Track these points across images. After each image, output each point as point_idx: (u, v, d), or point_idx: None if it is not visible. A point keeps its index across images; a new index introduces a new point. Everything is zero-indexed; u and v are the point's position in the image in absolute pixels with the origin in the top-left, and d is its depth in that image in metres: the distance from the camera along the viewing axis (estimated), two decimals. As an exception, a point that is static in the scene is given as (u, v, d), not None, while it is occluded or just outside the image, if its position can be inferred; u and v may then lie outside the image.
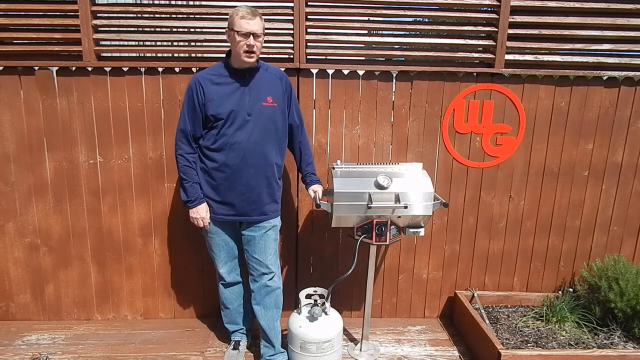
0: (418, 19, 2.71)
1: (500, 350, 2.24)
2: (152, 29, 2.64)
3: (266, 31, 2.58)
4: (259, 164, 2.20)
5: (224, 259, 2.40)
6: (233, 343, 2.56)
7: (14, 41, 2.59)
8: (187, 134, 2.19)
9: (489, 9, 2.67)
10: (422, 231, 2.35)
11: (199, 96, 2.14)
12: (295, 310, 2.44)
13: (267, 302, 2.36)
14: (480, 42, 2.68)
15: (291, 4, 2.54)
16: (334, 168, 2.40)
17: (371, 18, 2.66)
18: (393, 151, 2.79)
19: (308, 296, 2.44)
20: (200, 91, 2.14)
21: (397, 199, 2.23)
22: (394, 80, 2.70)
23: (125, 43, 2.61)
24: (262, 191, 2.25)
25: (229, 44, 2.59)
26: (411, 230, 2.35)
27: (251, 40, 2.04)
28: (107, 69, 2.60)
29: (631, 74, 2.71)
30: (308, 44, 2.62)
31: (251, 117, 2.16)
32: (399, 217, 2.29)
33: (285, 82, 2.31)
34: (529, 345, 2.51)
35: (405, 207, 2.21)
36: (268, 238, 2.31)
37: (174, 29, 2.63)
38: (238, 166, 2.17)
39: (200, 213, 2.23)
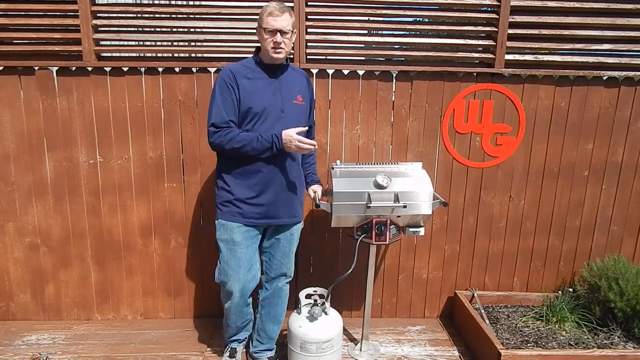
0: (418, 19, 2.71)
1: (500, 350, 2.23)
2: (152, 29, 2.64)
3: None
4: (292, 163, 2.17)
5: (242, 275, 2.18)
6: (229, 350, 2.44)
7: (14, 41, 2.60)
8: (221, 127, 2.02)
9: (489, 9, 2.67)
10: (421, 231, 2.35)
11: (233, 88, 2.04)
12: (295, 310, 2.44)
13: (280, 305, 2.40)
14: (480, 42, 2.68)
15: (291, 4, 2.54)
16: (333, 168, 2.39)
17: (371, 18, 2.66)
18: (393, 151, 2.79)
19: (308, 296, 2.44)
20: (234, 82, 2.04)
21: (396, 199, 2.23)
22: (394, 80, 2.70)
23: (125, 43, 2.61)
24: (294, 191, 2.21)
25: (229, 44, 2.63)
26: (411, 229, 2.35)
27: (278, 37, 2.00)
28: (107, 69, 2.61)
29: (631, 74, 2.71)
30: (308, 44, 2.63)
31: (284, 113, 2.09)
32: (399, 216, 2.29)
33: (308, 82, 2.29)
34: (529, 345, 2.51)
35: (405, 207, 2.21)
36: (293, 240, 2.31)
37: (174, 29, 2.63)
38: (274, 165, 2.10)
39: (290, 136, 1.99)
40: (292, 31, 2.07)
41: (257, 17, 2.54)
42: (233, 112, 2.04)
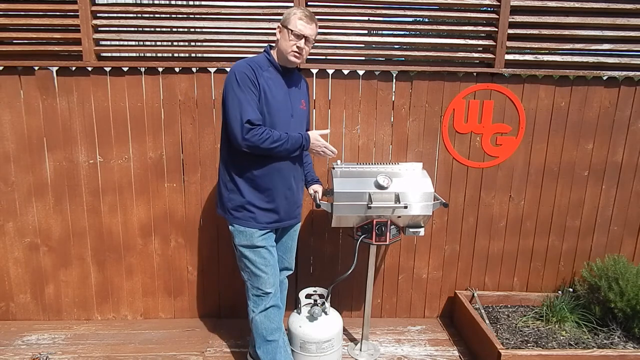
0: (418, 19, 2.71)
1: (500, 350, 2.24)
2: (152, 29, 2.64)
3: (265, 31, 2.59)
4: (299, 167, 2.17)
5: (273, 275, 2.13)
6: None
7: (14, 41, 2.59)
8: (256, 124, 1.94)
9: (489, 9, 2.67)
10: (422, 231, 2.35)
11: (255, 83, 1.96)
12: (295, 310, 2.44)
13: (282, 297, 2.40)
14: (480, 42, 2.68)
15: (291, 4, 2.54)
16: (334, 168, 2.39)
17: (371, 18, 2.66)
18: (393, 151, 2.79)
19: (308, 296, 2.44)
20: (255, 78, 1.97)
21: (397, 199, 2.23)
22: (394, 80, 2.70)
23: (125, 43, 2.61)
24: (299, 193, 2.23)
25: (229, 44, 2.63)
26: (411, 230, 2.35)
27: (302, 43, 1.99)
28: (107, 69, 2.61)
29: (631, 74, 2.71)
30: (308, 44, 2.62)
31: (293, 118, 2.09)
32: (399, 217, 2.29)
33: (307, 87, 2.31)
34: (529, 345, 2.51)
35: (405, 207, 2.21)
36: (294, 236, 2.35)
37: (174, 29, 2.63)
38: (285, 169, 2.09)
39: (318, 140, 2.07)
40: (313, 41, 2.07)
41: (257, 17, 2.58)
42: (257, 108, 1.98)
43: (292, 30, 1.98)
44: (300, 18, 1.98)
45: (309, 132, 2.10)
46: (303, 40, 2.00)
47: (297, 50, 2.00)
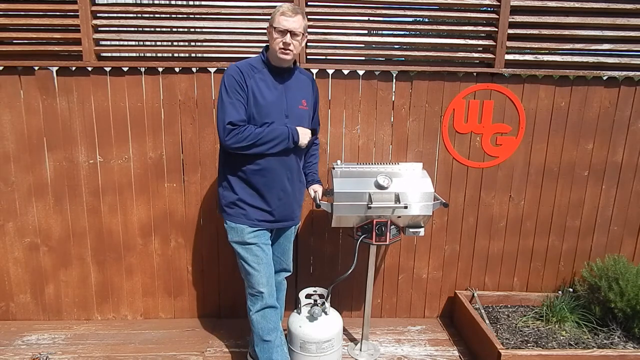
0: (418, 19, 2.71)
1: (500, 350, 2.24)
2: (152, 29, 2.64)
3: (265, 31, 2.58)
4: (294, 168, 2.15)
5: (265, 274, 2.12)
6: None
7: (14, 41, 2.60)
8: (238, 125, 1.96)
9: (489, 9, 2.67)
10: (422, 231, 2.35)
11: (243, 87, 1.98)
12: (295, 310, 2.44)
13: (280, 300, 2.40)
14: (480, 42, 2.68)
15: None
16: (334, 168, 2.39)
17: (371, 18, 2.66)
18: (393, 151, 2.79)
19: (308, 296, 2.44)
20: (243, 81, 1.98)
21: (397, 199, 2.23)
22: (394, 80, 2.70)
23: (125, 43, 2.61)
24: (295, 195, 2.20)
25: (229, 44, 2.63)
26: (411, 230, 2.35)
27: (287, 38, 1.95)
28: (107, 69, 2.61)
29: (631, 74, 2.71)
30: (308, 43, 2.62)
31: (288, 119, 2.07)
32: (399, 217, 2.29)
33: (314, 85, 2.26)
34: (529, 345, 2.51)
35: (406, 207, 2.21)
36: (291, 238, 2.34)
37: (174, 29, 2.63)
38: (277, 169, 2.07)
39: (303, 131, 2.08)
40: (303, 34, 2.04)
41: (257, 17, 2.58)
42: (244, 111, 2.00)
43: (275, 27, 1.97)
44: (283, 13, 1.96)
45: (295, 130, 2.06)
46: (288, 35, 1.96)
47: (283, 46, 1.97)
